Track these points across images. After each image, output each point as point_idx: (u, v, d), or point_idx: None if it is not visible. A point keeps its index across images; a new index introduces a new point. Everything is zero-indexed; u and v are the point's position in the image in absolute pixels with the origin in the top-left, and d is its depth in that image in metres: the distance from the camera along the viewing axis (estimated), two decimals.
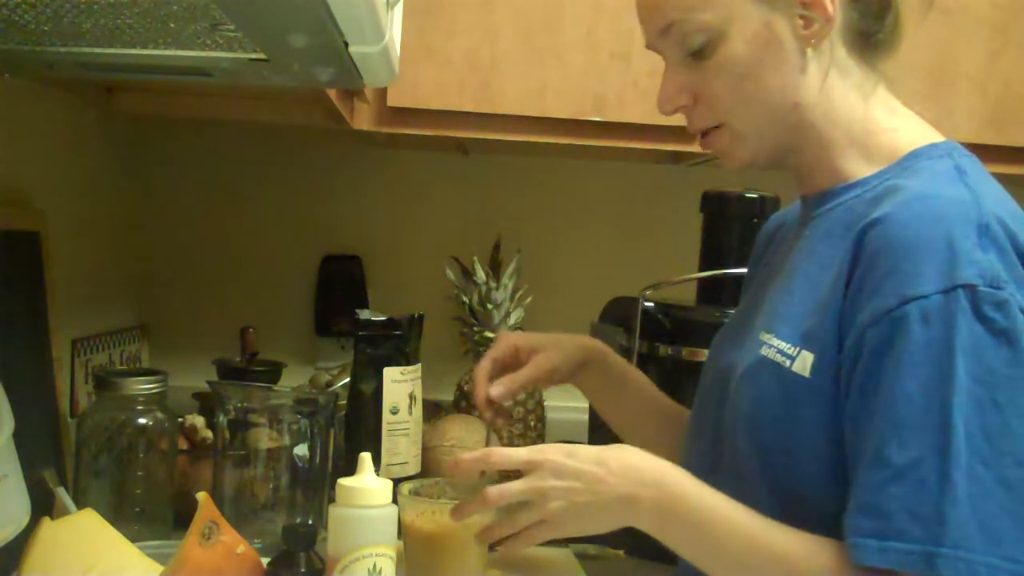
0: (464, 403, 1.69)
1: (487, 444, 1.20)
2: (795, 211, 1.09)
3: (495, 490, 0.95)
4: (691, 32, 0.92)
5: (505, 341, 1.18)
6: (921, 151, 0.92)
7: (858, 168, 0.94)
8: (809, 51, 0.91)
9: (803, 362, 0.87)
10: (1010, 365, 0.79)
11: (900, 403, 0.80)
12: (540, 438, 1.69)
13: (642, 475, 0.91)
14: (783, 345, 0.89)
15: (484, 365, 1.17)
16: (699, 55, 0.93)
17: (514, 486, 0.95)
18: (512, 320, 1.71)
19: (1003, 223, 0.82)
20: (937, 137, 0.94)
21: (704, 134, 0.98)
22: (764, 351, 0.91)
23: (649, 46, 0.99)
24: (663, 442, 1.19)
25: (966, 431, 0.77)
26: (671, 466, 0.92)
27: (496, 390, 1.14)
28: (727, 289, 1.44)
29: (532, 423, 1.67)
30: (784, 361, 0.89)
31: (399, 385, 1.35)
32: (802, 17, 0.90)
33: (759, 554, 0.86)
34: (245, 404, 1.30)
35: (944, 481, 0.77)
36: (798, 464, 0.88)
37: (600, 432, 1.57)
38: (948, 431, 0.78)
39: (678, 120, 1.50)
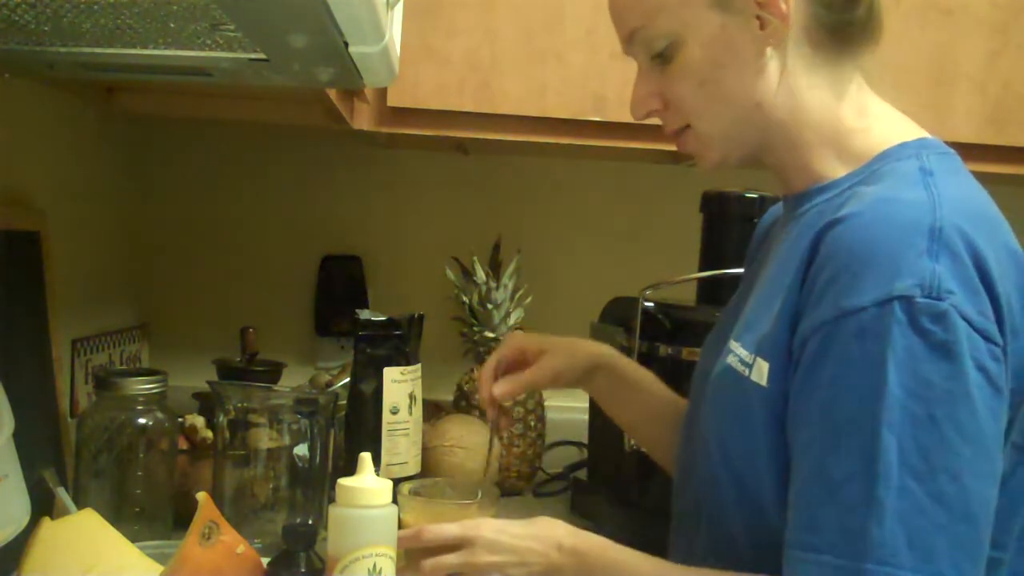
0: (464, 403, 1.69)
1: (490, 445, 1.20)
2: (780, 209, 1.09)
3: (430, 562, 0.98)
4: (653, 38, 0.93)
5: (513, 342, 1.18)
6: (890, 152, 0.91)
7: (831, 169, 0.93)
8: (768, 51, 0.91)
9: (759, 371, 0.87)
10: (949, 378, 0.77)
11: (836, 419, 0.79)
12: (540, 438, 1.69)
13: (563, 545, 0.95)
14: (743, 353, 0.90)
15: (490, 364, 1.17)
16: (662, 59, 0.94)
17: (450, 558, 0.97)
18: (512, 320, 1.71)
19: (960, 229, 0.80)
20: (910, 135, 0.92)
21: (677, 137, 0.99)
22: (729, 359, 0.91)
23: (625, 52, 1.00)
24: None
25: (899, 446, 0.76)
26: (595, 536, 0.96)
27: (499, 389, 1.14)
28: (727, 289, 1.43)
29: (532, 423, 1.67)
30: (744, 370, 0.89)
31: (399, 385, 1.35)
32: (758, 18, 0.90)
33: None
34: (245, 404, 1.30)
35: (871, 498, 0.76)
36: (761, 472, 0.88)
37: (600, 431, 1.57)
38: (876, 447, 0.77)
39: None
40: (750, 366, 0.88)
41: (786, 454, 0.85)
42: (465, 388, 1.69)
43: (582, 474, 1.69)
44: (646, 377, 1.22)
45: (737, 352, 0.90)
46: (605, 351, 1.20)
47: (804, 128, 0.93)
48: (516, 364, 1.17)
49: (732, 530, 0.92)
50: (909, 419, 0.76)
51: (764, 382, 0.86)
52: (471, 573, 0.97)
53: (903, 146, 0.91)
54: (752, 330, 0.90)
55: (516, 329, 1.69)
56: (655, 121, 1.00)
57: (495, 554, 0.95)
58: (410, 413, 1.36)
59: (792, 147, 0.94)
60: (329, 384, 1.68)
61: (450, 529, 0.98)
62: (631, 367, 1.22)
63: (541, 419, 1.69)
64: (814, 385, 0.81)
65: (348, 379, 1.42)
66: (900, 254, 0.78)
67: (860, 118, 0.93)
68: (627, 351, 1.49)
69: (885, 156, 0.90)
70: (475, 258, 1.73)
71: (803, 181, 0.95)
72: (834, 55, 0.93)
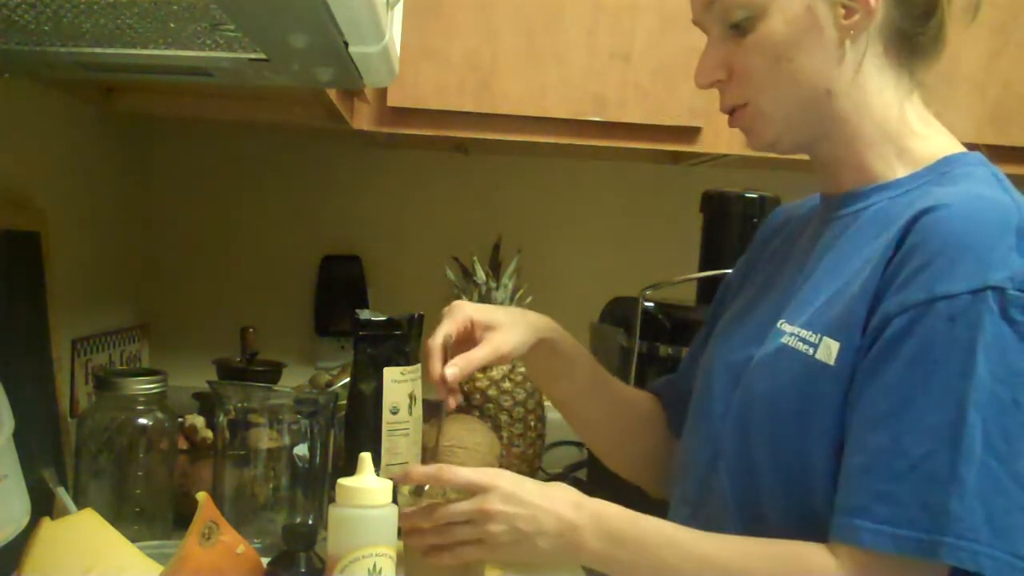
0: (464, 403, 1.69)
1: (439, 427, 1.16)
2: (805, 208, 1.10)
3: (444, 509, 0.98)
4: (733, 7, 0.93)
5: (461, 313, 1.12)
6: (955, 158, 0.94)
7: (888, 168, 0.95)
8: (847, 42, 0.92)
9: (827, 350, 0.88)
10: None
11: (918, 397, 0.82)
12: (540, 438, 1.69)
13: (582, 506, 0.95)
14: (805, 333, 0.91)
15: (437, 340, 1.10)
16: (739, 30, 0.94)
17: (462, 506, 0.97)
18: None
19: None
20: (961, 148, 0.96)
21: (732, 112, 0.99)
22: (785, 340, 0.92)
23: (695, 21, 1.00)
24: (614, 426, 1.20)
25: (983, 428, 0.79)
26: (606, 503, 0.96)
27: (451, 372, 1.08)
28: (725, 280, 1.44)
29: (532, 423, 1.67)
30: (807, 349, 0.90)
31: (399, 385, 1.35)
32: (844, 7, 0.91)
33: (701, 565, 0.89)
34: (245, 404, 1.30)
35: (953, 475, 0.79)
36: (812, 452, 0.89)
37: None
38: (962, 427, 0.79)
39: (678, 120, 1.51)
40: (815, 345, 0.89)
41: (840, 433, 0.87)
42: (465, 388, 1.69)
43: (582, 474, 1.69)
44: (586, 357, 1.20)
45: (795, 332, 0.91)
46: (547, 324, 1.17)
47: (866, 122, 0.95)
48: (463, 338, 1.13)
49: (768, 513, 0.92)
50: (995, 402, 0.80)
51: (832, 361, 0.87)
52: (481, 520, 0.95)
53: (968, 154, 0.95)
54: (810, 314, 0.91)
55: None
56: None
57: (509, 505, 0.94)
58: (410, 413, 1.36)
59: (850, 142, 0.96)
60: (329, 384, 1.68)
61: (469, 473, 0.98)
62: (571, 344, 1.19)
63: (541, 419, 1.69)
64: (895, 361, 0.83)
65: (348, 379, 1.42)
66: (993, 247, 0.82)
67: (922, 125, 0.96)
68: (627, 351, 1.50)
69: (952, 161, 0.93)
70: (475, 258, 1.73)
71: (855, 179, 0.97)
72: (903, 62, 0.95)
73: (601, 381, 1.22)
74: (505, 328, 1.12)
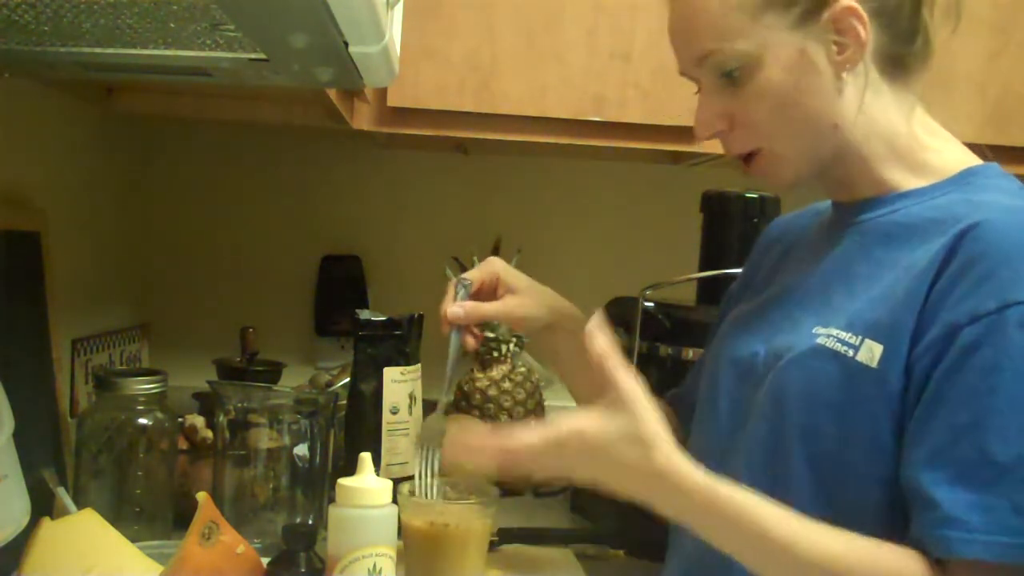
0: (464, 403, 1.69)
1: (451, 364, 1.14)
2: (805, 217, 1.11)
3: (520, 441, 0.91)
4: (727, 59, 0.93)
5: (490, 267, 1.15)
6: (978, 170, 0.95)
7: (904, 179, 0.96)
8: (845, 75, 0.93)
9: (869, 352, 0.88)
10: None
11: (1001, 404, 0.82)
12: None
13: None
14: (844, 335, 0.90)
15: (450, 289, 1.13)
16: (735, 82, 0.94)
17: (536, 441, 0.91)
18: None
19: None
20: (978, 160, 0.97)
21: (746, 158, 1.00)
22: (821, 340, 0.92)
23: (683, 73, 1.00)
24: None
25: None
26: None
27: (454, 311, 1.10)
28: (727, 289, 1.44)
29: (532, 423, 1.67)
30: (846, 351, 0.90)
31: (399, 385, 1.35)
32: (836, 43, 0.92)
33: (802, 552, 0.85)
34: (245, 404, 1.30)
35: None
36: (848, 452, 0.89)
37: None
38: None
39: (678, 120, 1.50)
40: (855, 347, 0.89)
41: (880, 436, 0.87)
42: (465, 388, 1.69)
43: None
44: None
45: (832, 334, 0.91)
46: (568, 312, 1.18)
47: (877, 142, 0.96)
48: (485, 290, 1.15)
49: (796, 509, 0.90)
50: None
51: (875, 364, 0.87)
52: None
53: (989, 167, 0.96)
54: (848, 317, 0.91)
55: (515, 336, 1.68)
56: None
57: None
58: (410, 413, 1.36)
59: (862, 161, 0.97)
60: (329, 384, 1.68)
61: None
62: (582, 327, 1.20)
63: (541, 419, 1.69)
64: (971, 371, 0.83)
65: (348, 379, 1.42)
66: None
67: (932, 138, 0.97)
68: (627, 351, 1.49)
69: (975, 173, 0.95)
70: (475, 258, 1.73)
71: (872, 189, 0.98)
72: (900, 80, 0.96)
73: None
74: (525, 295, 1.15)
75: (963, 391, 0.83)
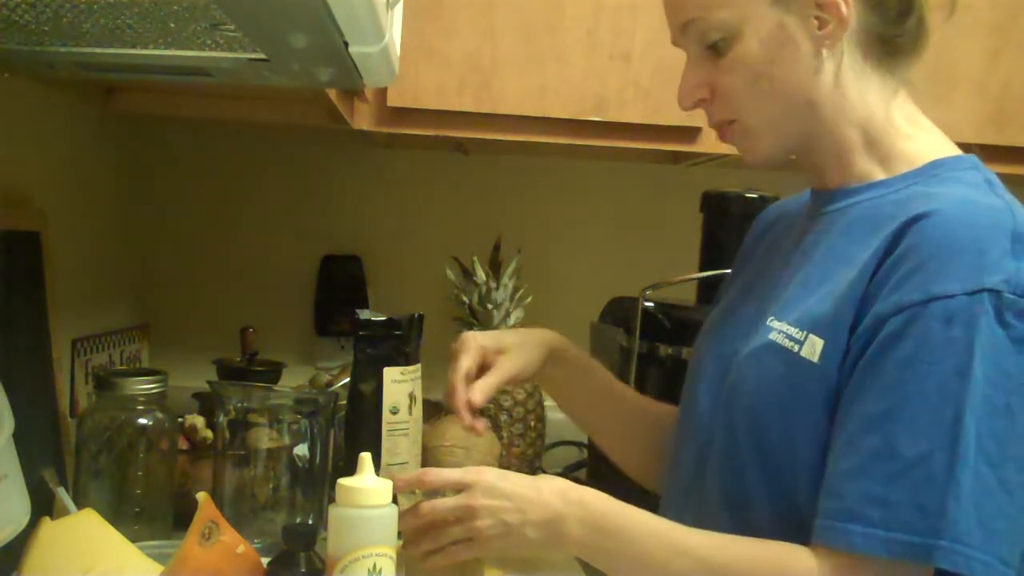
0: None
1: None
2: (797, 203, 1.10)
3: (427, 505, 0.98)
4: (708, 29, 0.94)
5: (473, 343, 1.16)
6: (946, 161, 0.94)
7: (874, 170, 0.95)
8: (824, 52, 0.93)
9: (812, 347, 0.88)
10: None
11: (913, 398, 0.81)
12: (540, 438, 1.69)
13: (568, 495, 0.95)
14: (791, 330, 0.91)
15: (459, 373, 1.14)
16: (716, 51, 0.95)
17: (446, 502, 0.98)
18: (512, 320, 1.71)
19: None
20: (956, 150, 0.96)
21: (721, 129, 1.00)
22: (772, 336, 0.92)
23: (673, 41, 1.01)
24: (635, 440, 1.21)
25: (976, 431, 0.79)
26: (595, 491, 0.95)
27: (478, 396, 1.12)
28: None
29: (532, 423, 1.67)
30: (792, 346, 0.90)
31: (399, 385, 1.35)
32: (816, 18, 0.92)
33: (682, 558, 0.89)
34: (245, 404, 1.30)
35: (950, 477, 0.79)
36: (796, 448, 0.89)
37: None
38: (959, 429, 0.79)
39: (678, 120, 1.50)
40: (800, 343, 0.89)
41: (825, 432, 0.87)
42: None
43: (582, 474, 1.69)
44: (599, 369, 1.24)
45: (782, 329, 0.92)
46: (555, 338, 1.20)
47: (851, 128, 0.96)
48: (479, 366, 1.16)
49: (755, 509, 0.92)
50: (988, 406, 0.80)
51: (816, 359, 0.88)
52: (467, 516, 0.96)
53: (960, 158, 0.95)
54: (798, 310, 0.91)
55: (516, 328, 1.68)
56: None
57: (493, 498, 0.95)
58: (410, 413, 1.36)
59: (836, 146, 0.96)
60: (329, 384, 1.68)
61: (452, 473, 0.99)
62: (583, 356, 1.23)
63: (541, 419, 1.69)
64: (890, 362, 0.83)
65: (348, 379, 1.42)
66: (988, 251, 0.82)
67: (908, 125, 0.96)
68: (627, 351, 1.50)
69: (942, 164, 0.93)
70: (475, 258, 1.73)
71: (841, 178, 0.97)
72: (884, 64, 0.95)
73: (616, 388, 1.23)
74: (515, 350, 1.16)
75: (879, 381, 0.83)
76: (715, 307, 1.15)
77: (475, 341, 1.17)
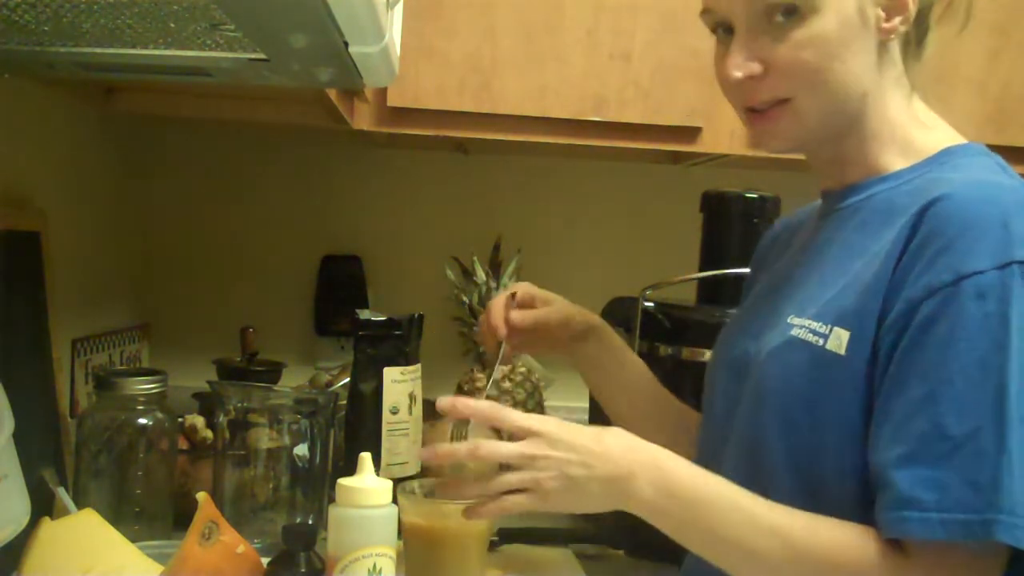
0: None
1: (497, 364, 1.20)
2: (804, 213, 1.11)
3: (487, 445, 0.93)
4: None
5: (525, 287, 1.19)
6: (956, 149, 0.94)
7: (892, 162, 0.96)
8: (885, 44, 0.93)
9: (837, 340, 0.88)
10: None
11: (956, 377, 0.81)
12: None
13: (638, 454, 0.91)
14: (814, 325, 0.90)
15: (501, 298, 1.18)
16: (787, 24, 0.90)
17: (509, 446, 0.92)
18: None
19: None
20: (962, 139, 0.96)
21: (754, 113, 0.96)
22: (794, 332, 0.92)
23: (709, 9, 0.96)
24: (663, 434, 1.19)
25: (1020, 401, 0.79)
26: (666, 451, 0.92)
27: (517, 315, 1.15)
28: (727, 289, 1.44)
29: None
30: (816, 340, 0.89)
31: (399, 385, 1.35)
32: (885, 9, 0.91)
33: (768, 536, 0.86)
34: (245, 404, 1.30)
35: (1001, 450, 0.78)
36: (824, 442, 0.88)
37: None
38: (1004, 400, 0.79)
39: (678, 120, 1.50)
40: (825, 336, 0.89)
41: (853, 424, 0.86)
42: (465, 388, 1.69)
43: None
44: (635, 359, 1.24)
45: (804, 324, 0.91)
46: (598, 319, 1.22)
47: (883, 123, 0.96)
48: (523, 306, 1.18)
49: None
50: None
51: (843, 351, 0.87)
52: (528, 465, 0.90)
53: (969, 146, 0.95)
54: (819, 305, 0.91)
55: None
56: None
57: (558, 449, 0.90)
58: (410, 413, 1.36)
59: (865, 139, 0.96)
60: (329, 384, 1.68)
61: (516, 417, 0.94)
62: (621, 343, 1.23)
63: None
64: (928, 346, 0.82)
65: (348, 379, 1.42)
66: (1011, 225, 0.82)
67: (927, 117, 0.97)
68: None
69: (952, 152, 0.94)
70: (475, 258, 1.73)
71: (860, 173, 0.97)
72: (907, 62, 0.96)
73: (651, 384, 1.23)
74: (563, 304, 1.19)
75: (920, 366, 0.82)
76: (729, 321, 1.15)
77: (527, 286, 1.20)
